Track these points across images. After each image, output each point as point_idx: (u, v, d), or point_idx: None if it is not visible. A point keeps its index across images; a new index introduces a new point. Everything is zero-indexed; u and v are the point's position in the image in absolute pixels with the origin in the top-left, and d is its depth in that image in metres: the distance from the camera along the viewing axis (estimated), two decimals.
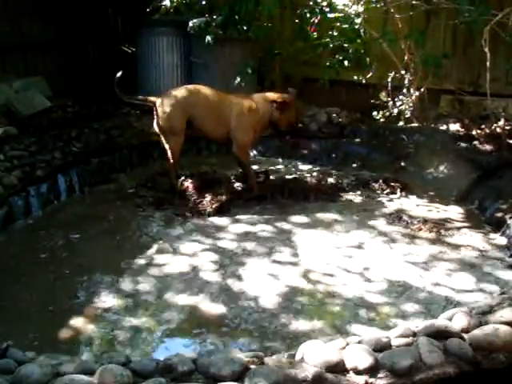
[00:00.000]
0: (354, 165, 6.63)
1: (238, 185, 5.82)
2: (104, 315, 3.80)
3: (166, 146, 5.64)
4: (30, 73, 7.37)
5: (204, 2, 6.40)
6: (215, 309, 3.89)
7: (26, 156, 5.70)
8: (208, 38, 6.48)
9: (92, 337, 3.58)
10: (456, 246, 4.78)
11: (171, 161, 5.64)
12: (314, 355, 2.74)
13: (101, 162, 6.19)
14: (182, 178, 5.76)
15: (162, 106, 5.58)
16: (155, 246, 4.74)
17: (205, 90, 5.74)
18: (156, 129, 5.67)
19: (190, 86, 5.91)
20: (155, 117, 5.62)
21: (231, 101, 5.70)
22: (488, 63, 5.56)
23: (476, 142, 6.24)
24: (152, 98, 5.71)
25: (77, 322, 3.72)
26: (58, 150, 5.98)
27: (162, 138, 5.66)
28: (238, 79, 6.45)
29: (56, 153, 5.92)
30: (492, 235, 4.99)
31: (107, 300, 3.96)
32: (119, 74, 5.56)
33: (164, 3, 6.22)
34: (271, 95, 5.79)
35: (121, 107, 7.22)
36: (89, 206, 5.59)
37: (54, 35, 7.71)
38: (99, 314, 3.82)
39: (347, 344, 2.84)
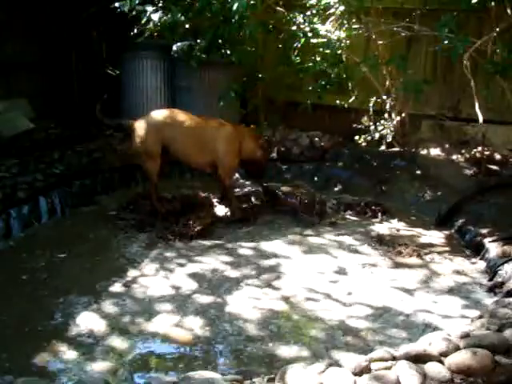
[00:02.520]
0: (336, 188, 6.66)
1: (220, 208, 5.83)
2: (80, 337, 3.77)
3: (143, 169, 5.69)
4: (13, 94, 7.35)
5: (187, 26, 6.44)
6: (190, 331, 3.85)
7: (7, 177, 5.68)
8: (191, 61, 6.53)
9: (68, 359, 3.55)
10: (436, 270, 4.81)
11: (150, 183, 5.68)
12: (293, 379, 2.74)
13: (83, 184, 6.15)
14: (165, 200, 5.76)
15: (137, 129, 5.60)
16: (135, 269, 4.71)
17: (182, 114, 5.74)
18: (131, 151, 5.71)
19: (167, 110, 5.93)
20: (132, 139, 5.66)
21: (216, 125, 5.71)
22: (474, 89, 5.65)
23: (456, 167, 6.31)
24: (129, 121, 5.76)
25: (53, 344, 3.68)
26: (40, 172, 5.96)
27: (139, 160, 5.71)
28: (221, 103, 6.49)
29: (38, 175, 5.89)
30: (471, 259, 5.03)
31: (83, 322, 3.93)
32: (104, 96, 5.63)
33: (148, 27, 6.25)
34: (251, 133, 5.99)
35: (104, 130, 7.23)
36: (70, 228, 5.55)
37: (38, 57, 7.72)
38: (75, 336, 3.78)
39: (326, 368, 2.84)
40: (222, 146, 5.65)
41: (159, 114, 5.73)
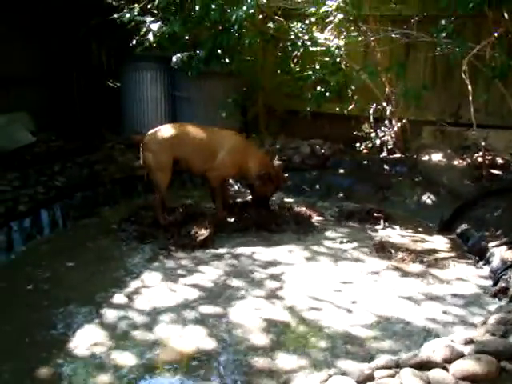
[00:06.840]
0: (338, 196, 6.65)
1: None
2: (79, 348, 3.74)
3: (153, 182, 5.67)
4: (14, 108, 7.37)
5: (187, 37, 6.46)
6: (191, 342, 3.82)
7: (8, 191, 5.70)
8: (191, 72, 6.54)
9: (68, 371, 3.53)
10: (439, 276, 4.78)
11: (158, 195, 5.66)
12: None
13: (84, 197, 6.17)
14: (166, 211, 5.75)
15: (149, 143, 5.62)
16: (136, 280, 4.70)
17: (192, 128, 5.79)
18: (143, 165, 5.72)
19: (177, 125, 5.94)
20: (141, 154, 5.67)
21: (223, 134, 5.79)
22: (470, 96, 5.65)
23: (458, 172, 6.30)
24: (139, 137, 5.80)
25: (53, 355, 3.66)
26: (41, 185, 5.97)
27: (149, 174, 5.70)
28: (223, 113, 6.50)
29: (39, 187, 5.91)
30: (475, 265, 5.01)
31: (83, 333, 3.91)
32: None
33: (147, 37, 6.27)
34: (262, 158, 5.88)
35: (105, 142, 7.24)
36: (72, 240, 5.55)
37: (39, 70, 7.74)
38: (75, 346, 3.76)
39: (329, 376, 2.82)
40: (222, 153, 5.66)
41: (171, 129, 5.76)
